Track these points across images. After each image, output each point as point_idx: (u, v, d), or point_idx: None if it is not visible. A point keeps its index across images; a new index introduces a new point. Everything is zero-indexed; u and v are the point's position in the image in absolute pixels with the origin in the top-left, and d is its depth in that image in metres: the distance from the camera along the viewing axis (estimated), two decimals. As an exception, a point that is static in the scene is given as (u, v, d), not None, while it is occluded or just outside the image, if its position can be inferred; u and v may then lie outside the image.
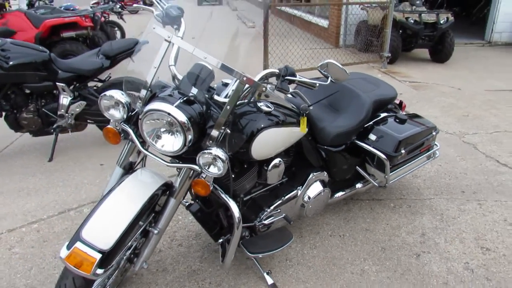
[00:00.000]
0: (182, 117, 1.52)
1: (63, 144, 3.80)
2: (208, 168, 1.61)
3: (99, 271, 1.47)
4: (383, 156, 2.32)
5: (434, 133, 2.65)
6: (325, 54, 7.15)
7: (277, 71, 1.69)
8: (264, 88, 1.59)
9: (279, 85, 1.67)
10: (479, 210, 2.77)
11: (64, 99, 3.42)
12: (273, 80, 1.73)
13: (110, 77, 3.76)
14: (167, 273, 2.20)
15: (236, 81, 1.63)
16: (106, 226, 1.52)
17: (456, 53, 7.56)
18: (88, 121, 3.65)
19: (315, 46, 8.50)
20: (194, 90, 1.67)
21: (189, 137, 1.55)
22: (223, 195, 1.77)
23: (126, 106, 1.62)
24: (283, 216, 2.18)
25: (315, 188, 2.28)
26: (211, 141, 1.62)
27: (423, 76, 6.55)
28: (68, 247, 1.48)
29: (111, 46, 3.54)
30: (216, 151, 1.57)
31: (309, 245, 2.43)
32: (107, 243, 1.49)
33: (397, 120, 2.49)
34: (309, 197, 2.25)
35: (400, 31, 7.46)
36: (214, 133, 1.61)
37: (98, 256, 1.46)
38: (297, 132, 2.00)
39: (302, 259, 2.32)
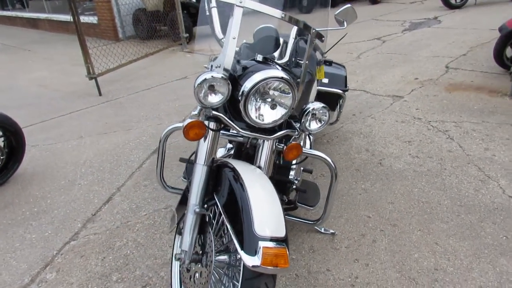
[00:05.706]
0: (291, 78, 1.45)
1: None
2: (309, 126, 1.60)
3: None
4: (341, 92, 2.68)
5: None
6: (116, 49, 6.63)
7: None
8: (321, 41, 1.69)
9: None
10: (377, 122, 3.54)
11: None
12: None
13: None
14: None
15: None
16: (270, 217, 1.35)
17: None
18: None
19: (95, 45, 7.68)
20: (259, 57, 1.58)
21: (296, 98, 1.50)
22: (314, 151, 1.78)
23: (229, 84, 1.38)
24: (302, 169, 2.29)
25: (307, 143, 2.45)
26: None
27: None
28: (250, 253, 1.25)
29: None
30: (315, 104, 1.58)
31: (309, 192, 2.62)
32: (282, 231, 1.33)
33: (327, 63, 2.89)
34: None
35: (185, 11, 7.85)
36: (299, 92, 1.60)
37: (284, 246, 1.30)
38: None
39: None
